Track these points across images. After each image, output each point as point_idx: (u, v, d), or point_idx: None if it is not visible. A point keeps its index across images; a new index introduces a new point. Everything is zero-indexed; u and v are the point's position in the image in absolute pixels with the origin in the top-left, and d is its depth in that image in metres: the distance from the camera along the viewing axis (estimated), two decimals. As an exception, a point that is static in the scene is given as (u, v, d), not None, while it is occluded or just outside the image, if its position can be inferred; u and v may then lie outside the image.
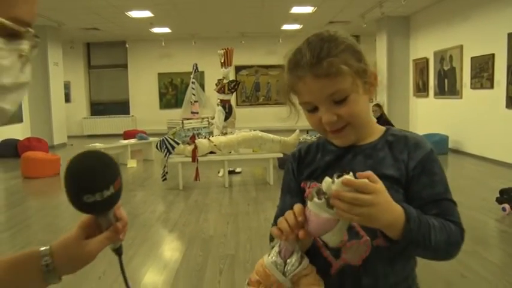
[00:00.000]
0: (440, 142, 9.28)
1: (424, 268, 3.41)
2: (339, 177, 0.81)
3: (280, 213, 0.95)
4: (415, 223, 0.86)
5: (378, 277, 0.96)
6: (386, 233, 0.87)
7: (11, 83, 0.53)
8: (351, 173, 0.81)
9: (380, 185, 0.82)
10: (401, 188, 0.95)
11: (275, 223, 0.96)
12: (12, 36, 0.52)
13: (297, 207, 0.88)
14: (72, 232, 0.78)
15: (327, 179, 0.82)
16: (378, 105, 8.84)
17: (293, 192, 1.06)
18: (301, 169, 1.07)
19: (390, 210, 0.83)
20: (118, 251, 0.83)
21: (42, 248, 0.75)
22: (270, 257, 0.92)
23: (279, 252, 0.92)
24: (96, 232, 0.78)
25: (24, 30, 0.53)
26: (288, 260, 0.91)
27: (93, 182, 0.67)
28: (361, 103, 0.97)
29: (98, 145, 8.60)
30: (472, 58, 8.61)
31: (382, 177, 0.85)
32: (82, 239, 0.77)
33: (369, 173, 0.82)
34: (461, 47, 9.03)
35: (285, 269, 0.91)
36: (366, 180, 0.81)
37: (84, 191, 0.68)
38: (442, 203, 0.95)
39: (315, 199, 0.83)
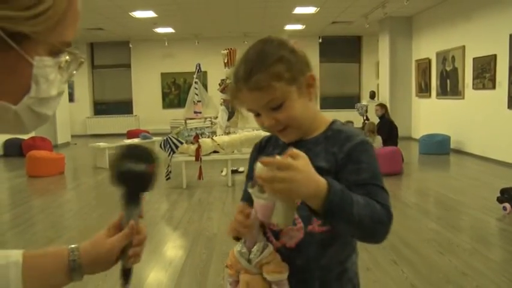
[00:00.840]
0: (443, 142, 9.31)
1: (425, 265, 3.47)
2: (253, 185, 0.91)
3: (243, 195, 1.14)
4: (335, 195, 0.89)
5: (309, 259, 1.05)
6: (310, 205, 0.91)
7: (57, 93, 0.63)
8: (277, 156, 0.87)
9: (299, 162, 0.86)
10: (331, 177, 1.00)
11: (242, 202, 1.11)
12: (57, 53, 0.61)
13: (241, 205, 1.01)
14: (101, 232, 0.86)
15: (257, 165, 0.89)
16: (382, 105, 8.80)
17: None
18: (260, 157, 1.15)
19: (310, 183, 0.87)
20: (126, 273, 0.85)
21: (72, 246, 0.82)
22: (238, 246, 1.05)
23: (244, 243, 1.05)
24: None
25: (74, 53, 0.64)
26: (252, 249, 1.02)
27: (133, 153, 0.84)
28: (298, 107, 1.05)
29: (101, 144, 8.66)
30: (474, 59, 8.63)
31: (315, 169, 0.90)
32: (108, 237, 0.85)
33: (292, 151, 0.88)
34: (463, 47, 9.05)
35: (250, 257, 1.02)
36: (279, 158, 0.87)
37: (126, 157, 0.83)
38: (367, 187, 0.99)
39: (249, 189, 0.93)
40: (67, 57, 0.63)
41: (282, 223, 0.94)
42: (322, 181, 0.89)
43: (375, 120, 9.36)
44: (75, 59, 0.65)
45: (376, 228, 0.95)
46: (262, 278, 1.02)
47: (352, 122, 9.35)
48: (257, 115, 1.08)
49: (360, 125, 11.33)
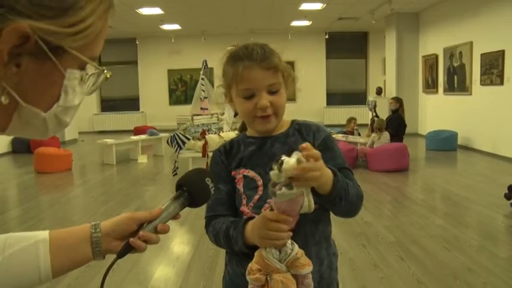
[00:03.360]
0: (450, 139, 9.26)
1: (432, 262, 3.46)
2: (277, 162, 0.95)
3: (217, 201, 1.22)
4: (339, 177, 1.07)
5: (306, 236, 1.17)
6: (322, 190, 1.04)
7: (78, 103, 0.69)
8: (283, 156, 0.95)
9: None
10: None
11: (213, 213, 1.24)
12: (83, 67, 0.66)
13: (271, 214, 1.03)
14: (124, 215, 0.90)
15: (273, 172, 0.95)
16: (397, 99, 8.66)
17: (225, 181, 1.24)
18: (229, 160, 1.27)
19: (327, 170, 1.04)
20: (126, 248, 0.87)
21: (93, 223, 0.88)
22: (265, 249, 1.06)
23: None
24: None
25: (100, 69, 0.69)
26: (281, 249, 1.05)
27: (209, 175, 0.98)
28: (284, 98, 1.22)
29: (109, 141, 8.69)
30: (482, 54, 8.57)
31: None
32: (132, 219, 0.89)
33: (306, 144, 0.98)
34: (471, 43, 8.99)
35: (280, 257, 1.04)
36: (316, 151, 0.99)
37: (206, 175, 0.96)
38: (342, 171, 1.15)
39: (278, 192, 0.96)
40: (87, 71, 0.68)
41: (310, 208, 1.00)
42: (327, 169, 1.04)
43: (384, 114, 9.34)
44: (100, 73, 0.70)
45: (358, 203, 1.17)
46: (292, 275, 1.05)
47: (355, 119, 9.30)
48: (250, 97, 1.18)
49: (367, 121, 11.29)
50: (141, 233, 0.87)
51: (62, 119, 0.67)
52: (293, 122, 1.29)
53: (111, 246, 0.87)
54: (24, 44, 0.57)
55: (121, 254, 0.87)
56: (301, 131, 1.25)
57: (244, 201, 1.21)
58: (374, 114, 9.79)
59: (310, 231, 1.18)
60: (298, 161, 0.94)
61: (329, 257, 1.23)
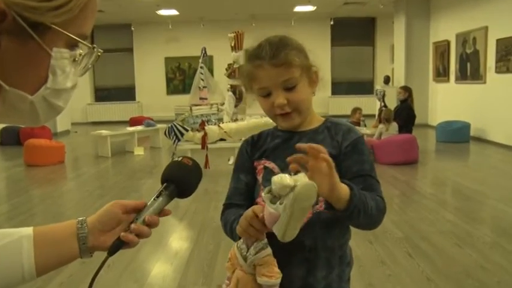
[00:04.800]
0: (462, 129, 9.24)
1: (442, 259, 3.45)
2: (268, 192, 0.97)
3: (235, 191, 1.30)
4: (355, 191, 1.07)
5: (316, 238, 1.18)
6: (337, 204, 1.05)
7: (72, 85, 0.67)
8: (280, 174, 0.96)
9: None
10: (336, 163, 1.13)
11: (230, 202, 1.30)
12: (73, 46, 0.65)
13: (257, 207, 1.07)
14: (107, 204, 0.90)
15: (274, 179, 0.96)
16: (406, 88, 8.62)
17: (246, 171, 1.30)
18: (254, 151, 1.31)
19: (340, 184, 1.03)
20: (117, 245, 0.87)
21: (80, 218, 0.87)
22: (239, 241, 1.08)
23: (246, 239, 1.10)
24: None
25: (90, 46, 0.68)
26: (250, 247, 1.05)
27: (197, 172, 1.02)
28: (306, 93, 1.23)
29: (103, 132, 8.70)
30: (497, 40, 8.51)
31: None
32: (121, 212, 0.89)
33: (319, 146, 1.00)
34: (486, 28, 8.93)
35: (246, 255, 1.06)
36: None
37: (193, 170, 1.00)
38: (368, 179, 1.19)
39: (264, 194, 0.99)
40: (80, 51, 0.67)
41: (280, 235, 0.98)
42: (343, 184, 1.05)
43: (392, 104, 9.31)
44: (92, 52, 0.69)
45: (379, 217, 1.16)
46: (254, 279, 1.05)
47: (360, 109, 9.26)
48: (267, 95, 1.21)
49: (375, 112, 11.27)
50: (132, 225, 0.86)
51: (53, 102, 0.66)
52: (326, 120, 1.30)
53: (98, 242, 0.86)
54: (1, 22, 0.55)
55: (112, 251, 0.86)
56: (331, 130, 1.26)
57: (261, 192, 1.22)
58: (382, 104, 9.76)
59: (322, 235, 1.18)
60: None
61: (341, 266, 1.23)
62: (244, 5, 12.69)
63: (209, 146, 6.44)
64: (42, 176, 6.97)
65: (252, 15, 13.74)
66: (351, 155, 1.20)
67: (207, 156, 6.44)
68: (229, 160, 7.28)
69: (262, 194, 1.01)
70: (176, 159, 0.99)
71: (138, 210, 0.90)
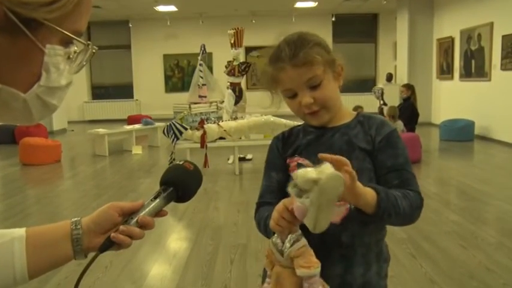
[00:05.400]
0: (466, 128, 9.23)
1: (446, 260, 3.44)
2: (294, 186, 0.97)
3: (267, 189, 1.30)
4: (382, 195, 1.08)
5: (354, 235, 1.19)
6: (365, 210, 1.07)
7: (66, 83, 0.67)
8: (304, 168, 0.96)
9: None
10: (371, 158, 1.21)
11: (262, 200, 1.30)
12: (67, 43, 0.65)
13: (287, 200, 1.05)
14: (104, 206, 0.89)
15: (298, 173, 0.95)
16: (408, 86, 8.59)
17: (278, 168, 1.30)
18: (286, 148, 1.32)
19: (365, 189, 1.05)
20: (108, 243, 0.86)
21: (74, 219, 0.87)
22: (274, 237, 1.08)
23: (280, 233, 1.08)
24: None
25: (85, 43, 0.67)
26: (285, 241, 1.05)
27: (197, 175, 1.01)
28: (332, 89, 1.23)
29: (100, 131, 8.69)
30: (503, 36, 8.50)
31: (358, 149, 1.20)
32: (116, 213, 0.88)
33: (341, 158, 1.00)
34: (491, 24, 8.91)
35: (282, 249, 1.05)
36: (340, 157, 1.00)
37: (193, 174, 0.99)
38: (403, 173, 1.20)
39: (289, 188, 0.99)
40: (75, 48, 0.66)
41: (311, 227, 0.98)
42: (368, 188, 1.07)
43: (395, 102, 9.29)
44: (87, 49, 0.69)
45: (414, 213, 1.18)
46: (294, 272, 1.03)
47: (361, 107, 9.24)
48: (293, 96, 1.22)
49: (376, 110, 11.26)
50: (121, 227, 0.85)
51: (46, 101, 0.65)
52: (358, 114, 1.31)
53: (93, 244, 0.85)
54: None
55: (102, 249, 0.86)
56: (364, 124, 1.26)
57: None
58: (382, 102, 9.76)
59: (359, 232, 1.19)
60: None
61: (379, 263, 1.24)
62: (244, 1, 12.68)
63: (208, 144, 6.44)
64: (37, 176, 6.97)
65: (252, 12, 13.73)
66: (385, 150, 1.21)
67: (206, 155, 6.44)
68: (228, 159, 7.28)
69: (289, 189, 1.00)
70: (178, 162, 0.98)
71: (136, 212, 0.89)
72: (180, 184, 0.95)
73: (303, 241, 1.04)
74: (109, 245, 0.86)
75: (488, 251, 3.55)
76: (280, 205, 1.06)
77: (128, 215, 0.88)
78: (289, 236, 1.04)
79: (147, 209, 0.89)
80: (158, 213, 0.91)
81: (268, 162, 1.34)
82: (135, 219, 0.87)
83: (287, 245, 1.04)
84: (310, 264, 1.02)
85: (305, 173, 0.93)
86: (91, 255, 0.87)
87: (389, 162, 1.19)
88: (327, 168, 0.94)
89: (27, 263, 0.78)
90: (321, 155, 0.99)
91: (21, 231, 0.81)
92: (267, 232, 1.19)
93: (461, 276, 3.15)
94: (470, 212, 4.60)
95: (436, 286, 3.00)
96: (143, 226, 0.88)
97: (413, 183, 1.20)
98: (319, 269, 1.03)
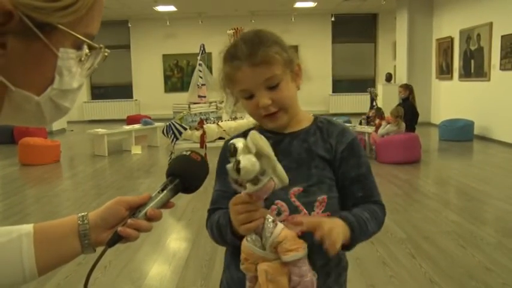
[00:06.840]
0: (465, 128, 9.24)
1: (445, 260, 3.44)
2: (232, 155, 0.95)
3: (222, 194, 1.21)
4: (356, 229, 1.09)
5: (313, 245, 1.10)
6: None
7: (78, 86, 0.68)
8: (239, 153, 0.93)
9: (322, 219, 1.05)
10: (331, 168, 1.18)
11: (216, 206, 1.22)
12: (79, 46, 0.65)
13: (234, 198, 1.03)
14: (111, 201, 0.90)
15: (238, 171, 0.92)
16: (406, 86, 8.54)
17: None
18: None
19: (338, 228, 1.04)
20: (117, 237, 0.86)
21: (81, 214, 0.87)
22: (247, 237, 1.03)
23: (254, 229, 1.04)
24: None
25: (97, 47, 0.68)
26: (262, 234, 1.01)
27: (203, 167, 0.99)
28: (290, 90, 1.17)
29: (100, 131, 8.69)
30: (502, 36, 8.50)
31: (317, 157, 1.16)
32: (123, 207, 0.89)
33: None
34: (490, 24, 8.92)
35: (262, 242, 1.01)
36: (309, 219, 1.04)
37: (201, 165, 0.98)
38: (366, 184, 1.20)
39: (244, 191, 0.98)
40: (87, 51, 0.67)
41: (284, 182, 0.96)
42: (341, 222, 1.08)
43: (394, 102, 9.28)
44: (99, 52, 0.69)
45: (379, 228, 1.21)
46: (281, 263, 1.00)
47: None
48: (250, 97, 1.16)
49: (367, 111, 11.27)
50: (129, 221, 0.86)
51: (59, 103, 0.66)
52: (316, 118, 1.25)
53: (101, 238, 0.86)
54: (8, 23, 0.56)
55: (110, 244, 0.85)
56: (323, 131, 1.21)
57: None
58: (374, 103, 9.82)
59: (317, 248, 1.13)
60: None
61: (337, 269, 1.21)
62: (244, 1, 12.68)
63: (208, 144, 6.44)
64: (37, 175, 6.97)
65: (252, 12, 13.73)
66: (348, 160, 1.18)
67: (205, 155, 6.43)
68: (228, 159, 7.26)
69: (244, 191, 0.98)
70: (184, 153, 0.97)
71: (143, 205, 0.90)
72: (188, 175, 0.94)
73: (280, 224, 1.01)
74: (117, 239, 0.86)
75: (487, 251, 3.55)
76: (235, 200, 1.02)
77: (135, 209, 0.89)
78: (265, 224, 1.00)
79: (154, 201, 0.90)
80: (165, 204, 0.91)
81: (221, 168, 1.26)
82: (143, 212, 0.88)
83: (267, 234, 0.99)
84: (297, 246, 0.99)
85: (243, 165, 0.90)
86: (99, 249, 0.87)
87: (353, 173, 1.18)
88: (248, 139, 0.93)
89: (35, 259, 0.79)
90: (296, 220, 1.01)
91: (29, 228, 0.82)
92: (222, 235, 1.15)
93: (460, 276, 3.15)
94: (470, 212, 4.60)
95: (435, 286, 3.00)
96: (151, 219, 0.88)
97: (376, 193, 1.22)
98: (306, 250, 1.00)
